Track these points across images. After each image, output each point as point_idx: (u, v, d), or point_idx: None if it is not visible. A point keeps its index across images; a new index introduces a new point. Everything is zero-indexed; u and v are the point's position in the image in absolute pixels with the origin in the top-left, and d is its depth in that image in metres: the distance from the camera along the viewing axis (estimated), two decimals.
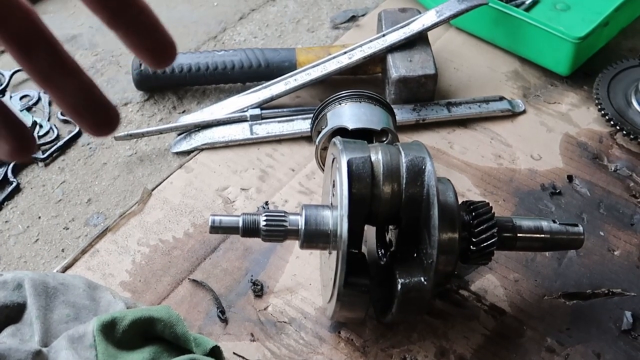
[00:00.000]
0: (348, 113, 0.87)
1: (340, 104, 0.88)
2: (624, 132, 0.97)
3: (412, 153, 0.68)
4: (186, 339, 0.71)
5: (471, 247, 0.71)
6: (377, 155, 0.68)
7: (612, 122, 0.98)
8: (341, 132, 0.85)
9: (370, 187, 0.66)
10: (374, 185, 0.67)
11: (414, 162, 0.67)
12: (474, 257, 0.72)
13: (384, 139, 0.87)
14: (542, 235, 0.74)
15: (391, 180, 0.67)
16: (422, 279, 0.65)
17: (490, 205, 0.73)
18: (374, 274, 0.77)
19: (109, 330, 0.68)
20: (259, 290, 0.81)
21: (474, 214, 0.72)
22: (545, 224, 0.74)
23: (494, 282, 0.82)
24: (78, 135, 1.03)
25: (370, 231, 0.79)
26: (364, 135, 0.85)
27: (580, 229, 0.75)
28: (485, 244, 0.70)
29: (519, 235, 0.74)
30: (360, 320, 0.75)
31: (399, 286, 0.65)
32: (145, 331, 0.70)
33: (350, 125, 0.85)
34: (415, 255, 0.68)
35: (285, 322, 0.79)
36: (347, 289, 0.65)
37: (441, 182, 0.71)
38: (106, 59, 1.16)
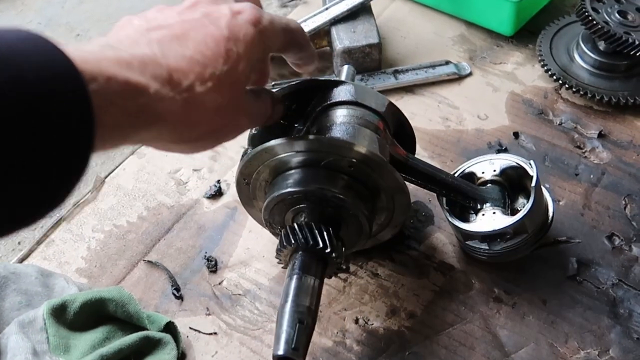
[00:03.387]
0: None
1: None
2: (567, 86, 0.99)
3: None
4: (139, 317, 0.72)
5: None
6: None
7: (555, 77, 1.00)
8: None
9: None
10: None
11: None
12: None
13: None
14: None
15: None
16: None
17: None
18: None
19: (60, 313, 0.69)
20: (212, 266, 0.83)
21: None
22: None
23: (442, 240, 0.84)
24: None
25: None
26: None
27: None
28: None
29: None
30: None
31: None
32: (97, 312, 0.72)
33: None
34: None
35: (240, 295, 0.80)
36: None
37: None
38: None
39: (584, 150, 0.93)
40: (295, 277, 0.67)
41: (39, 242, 0.87)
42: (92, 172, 0.97)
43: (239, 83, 0.54)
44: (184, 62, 0.49)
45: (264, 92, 0.64)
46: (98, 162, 0.98)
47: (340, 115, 0.74)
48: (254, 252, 0.84)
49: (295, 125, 0.79)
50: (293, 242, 0.68)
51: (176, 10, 0.54)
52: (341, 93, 0.75)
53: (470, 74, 1.05)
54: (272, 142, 0.70)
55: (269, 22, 0.57)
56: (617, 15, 0.97)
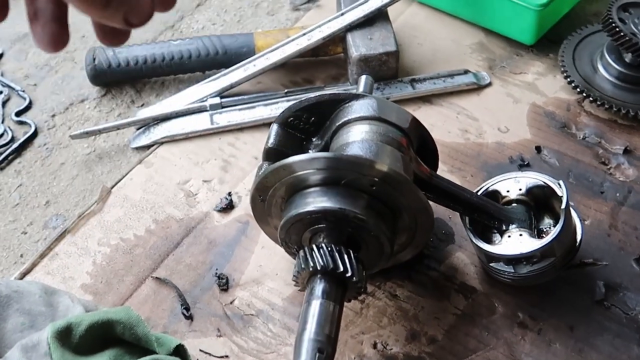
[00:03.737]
0: None
1: None
2: (591, 98, 0.95)
3: None
4: (148, 339, 0.69)
5: None
6: None
7: (578, 89, 0.96)
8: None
9: None
10: None
11: None
12: None
13: None
14: None
15: None
16: None
17: None
18: None
19: (65, 337, 0.66)
20: (224, 284, 0.79)
21: None
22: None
23: (463, 260, 0.80)
24: (34, 136, 1.00)
25: None
26: None
27: None
28: None
29: None
30: None
31: None
32: (104, 334, 0.68)
33: None
34: None
35: (252, 315, 0.77)
36: None
37: None
38: (60, 56, 1.12)
39: (609, 167, 0.90)
40: (313, 302, 0.64)
41: (42, 256, 0.83)
42: (97, 181, 0.93)
43: None
44: None
45: None
46: (104, 171, 0.95)
47: (362, 131, 0.71)
48: (267, 270, 0.81)
49: (313, 140, 0.76)
50: (312, 265, 0.64)
51: None
52: (362, 108, 0.72)
53: (489, 84, 1.02)
54: (291, 159, 0.67)
55: None
56: None
